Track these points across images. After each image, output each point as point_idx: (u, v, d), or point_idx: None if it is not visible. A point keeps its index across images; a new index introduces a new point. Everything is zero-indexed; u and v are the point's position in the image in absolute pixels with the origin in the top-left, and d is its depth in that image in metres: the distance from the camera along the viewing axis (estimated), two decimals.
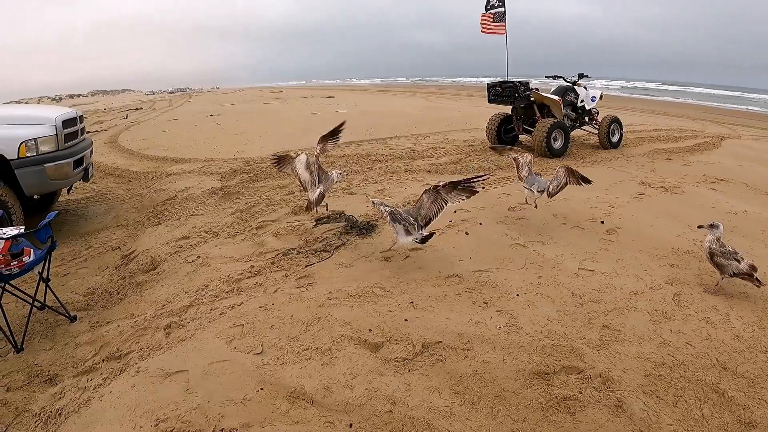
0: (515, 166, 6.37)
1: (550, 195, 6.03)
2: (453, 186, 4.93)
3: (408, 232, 4.98)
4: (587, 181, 5.99)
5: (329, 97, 32.67)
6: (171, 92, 64.03)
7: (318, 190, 6.14)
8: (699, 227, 4.95)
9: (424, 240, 4.98)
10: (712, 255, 4.65)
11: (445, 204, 5.00)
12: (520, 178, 6.27)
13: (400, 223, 4.98)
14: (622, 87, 51.19)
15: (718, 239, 4.68)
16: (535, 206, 6.43)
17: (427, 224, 5.05)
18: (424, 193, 5.04)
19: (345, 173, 5.70)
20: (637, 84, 58.49)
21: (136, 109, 30.32)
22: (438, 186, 4.97)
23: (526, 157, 6.34)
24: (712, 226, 4.75)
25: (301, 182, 6.38)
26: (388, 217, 5.07)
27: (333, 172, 6.41)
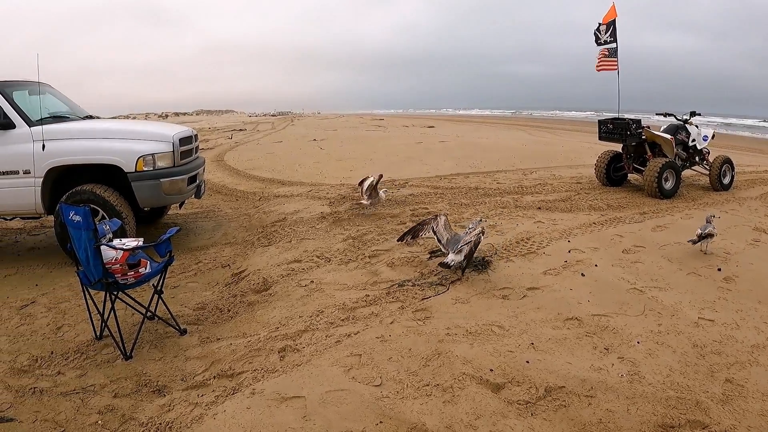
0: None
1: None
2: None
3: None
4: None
5: (430, 126, 32.73)
6: (273, 114, 65.54)
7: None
8: None
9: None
10: None
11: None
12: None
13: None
14: (722, 123, 49.04)
15: None
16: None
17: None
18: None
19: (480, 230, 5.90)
20: (737, 120, 55.91)
21: (240, 129, 31.18)
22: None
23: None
24: None
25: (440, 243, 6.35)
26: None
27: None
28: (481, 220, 6.21)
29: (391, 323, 4.81)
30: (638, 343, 4.38)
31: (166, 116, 65.45)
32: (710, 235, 6.48)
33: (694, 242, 6.52)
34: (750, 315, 4.97)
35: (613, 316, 4.85)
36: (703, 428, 3.39)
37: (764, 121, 55.25)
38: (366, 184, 8.91)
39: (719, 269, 6.05)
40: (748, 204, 9.49)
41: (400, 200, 9.67)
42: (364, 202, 8.85)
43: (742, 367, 4.09)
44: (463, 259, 5.66)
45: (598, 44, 11.82)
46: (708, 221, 6.60)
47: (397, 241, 6.75)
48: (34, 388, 4.10)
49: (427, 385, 3.83)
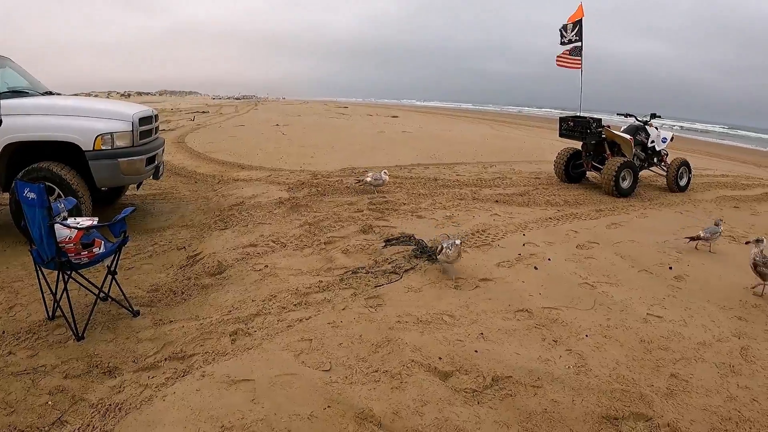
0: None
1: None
2: None
3: None
4: None
5: (394, 116, 32.85)
6: (237, 98, 65.22)
7: None
8: (746, 243, 6.03)
9: None
10: (755, 265, 5.49)
11: None
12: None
13: None
14: (683, 128, 50.04)
15: (761, 251, 5.52)
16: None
17: None
18: None
19: None
20: (698, 125, 57.25)
21: (203, 112, 30.97)
22: None
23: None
24: (757, 241, 5.62)
25: None
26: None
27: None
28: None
29: (343, 309, 4.80)
30: (587, 336, 4.42)
31: (129, 95, 64.61)
32: (705, 238, 6.79)
33: (692, 239, 6.83)
34: (698, 313, 5.06)
35: (564, 310, 4.89)
36: (647, 420, 3.43)
37: (728, 127, 56.44)
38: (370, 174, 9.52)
39: (671, 268, 6.15)
40: (703, 206, 9.68)
41: (359, 188, 9.62)
42: (368, 179, 9.36)
43: (687, 363, 4.15)
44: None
45: (563, 43, 11.93)
46: (716, 224, 6.93)
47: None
48: None
49: (376, 371, 3.83)
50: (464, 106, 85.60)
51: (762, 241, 5.62)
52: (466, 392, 3.62)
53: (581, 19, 11.66)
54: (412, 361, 3.94)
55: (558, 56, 11.98)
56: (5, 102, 6.61)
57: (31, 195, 4.27)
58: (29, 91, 7.58)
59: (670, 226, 7.97)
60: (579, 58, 11.73)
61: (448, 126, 27.42)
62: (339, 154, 14.54)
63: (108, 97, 43.45)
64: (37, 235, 4.38)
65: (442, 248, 5.54)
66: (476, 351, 4.09)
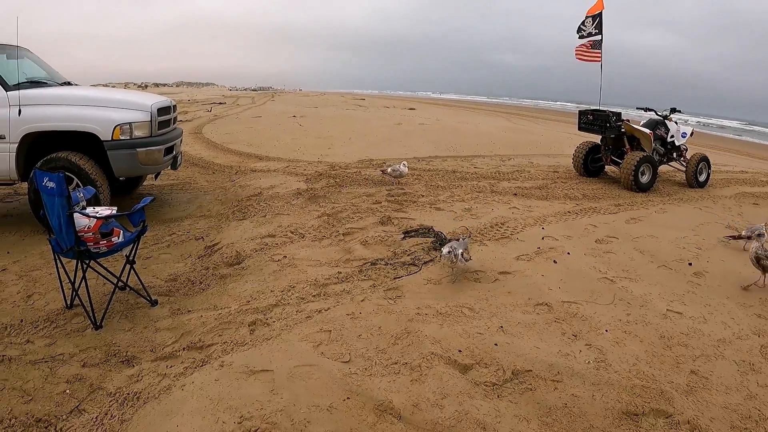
0: None
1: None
2: None
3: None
4: None
5: (411, 108, 32.77)
6: (254, 89, 65.28)
7: None
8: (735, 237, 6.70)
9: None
10: (758, 259, 5.52)
11: None
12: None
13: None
14: (699, 123, 49.49)
15: (762, 245, 5.64)
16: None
17: None
18: None
19: None
20: (714, 121, 56.63)
21: (220, 103, 31.01)
22: None
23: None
24: (759, 236, 5.99)
25: None
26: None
27: None
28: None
29: (362, 301, 4.81)
30: (606, 331, 4.40)
31: (146, 86, 64.86)
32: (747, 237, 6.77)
33: (734, 238, 6.97)
34: (718, 310, 5.02)
35: (583, 304, 4.87)
36: (667, 417, 3.42)
37: (746, 123, 55.76)
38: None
39: (690, 264, 6.10)
40: (722, 202, 9.58)
41: (377, 180, 9.62)
42: (389, 171, 9.41)
43: (707, 360, 4.13)
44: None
45: (582, 36, 11.83)
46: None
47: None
48: (3, 356, 4.02)
49: (395, 363, 3.83)
50: (479, 98, 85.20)
51: (763, 235, 6.04)
52: (486, 386, 3.61)
53: (601, 11, 11.56)
54: (432, 353, 3.94)
55: (576, 49, 11.88)
56: (24, 92, 6.67)
57: (51, 184, 4.31)
58: (48, 82, 7.65)
59: (689, 221, 7.91)
60: (599, 51, 11.63)
61: (464, 118, 27.31)
62: (356, 145, 14.53)
63: (125, 88, 43.74)
64: (56, 225, 4.42)
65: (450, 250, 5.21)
66: (496, 344, 4.09)
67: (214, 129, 17.70)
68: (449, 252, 5.03)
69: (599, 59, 11.62)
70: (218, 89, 69.31)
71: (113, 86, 48.82)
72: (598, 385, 3.66)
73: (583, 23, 11.79)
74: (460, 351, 3.99)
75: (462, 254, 5.09)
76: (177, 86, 76.76)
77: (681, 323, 4.67)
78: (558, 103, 77.01)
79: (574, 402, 3.48)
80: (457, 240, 5.48)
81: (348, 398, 3.42)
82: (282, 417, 3.22)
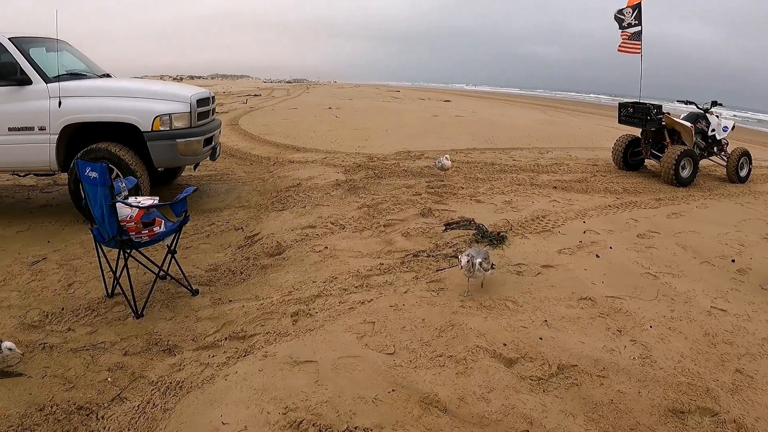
0: None
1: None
2: None
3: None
4: None
5: (446, 101, 32.61)
6: (288, 82, 65.52)
7: None
8: None
9: None
10: None
11: None
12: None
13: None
14: (737, 116, 48.39)
15: None
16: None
17: None
18: None
19: None
20: (751, 114, 55.25)
21: (255, 95, 31.18)
22: None
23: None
24: None
25: None
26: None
27: None
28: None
29: (405, 293, 4.83)
30: (651, 327, 4.38)
31: (181, 79, 65.41)
32: None
33: None
34: (762, 308, 4.96)
35: (627, 299, 4.85)
36: (713, 416, 3.39)
37: None
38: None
39: (733, 260, 6.03)
40: (764, 198, 9.42)
41: (416, 172, 9.66)
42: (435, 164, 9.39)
43: (752, 359, 4.08)
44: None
45: (622, 27, 11.70)
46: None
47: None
48: (44, 343, 4.11)
49: (441, 356, 3.85)
50: (513, 90, 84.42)
51: None
52: (532, 380, 3.62)
53: (640, 2, 11.41)
54: (477, 346, 3.94)
55: (620, 43, 11.74)
56: (64, 84, 6.80)
57: (93, 174, 4.38)
58: (87, 74, 7.81)
59: (731, 217, 7.80)
60: (639, 42, 11.48)
61: (500, 111, 27.10)
62: (393, 137, 14.54)
63: (161, 80, 44.29)
64: (99, 214, 4.49)
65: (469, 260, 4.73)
66: (540, 338, 4.10)
67: (250, 120, 17.86)
68: (468, 261, 4.65)
69: (639, 51, 11.48)
70: (253, 81, 69.65)
71: (149, 79, 49.40)
72: (643, 382, 3.65)
73: (621, 12, 11.65)
74: (504, 344, 3.99)
75: (481, 264, 4.66)
76: (212, 78, 77.35)
77: (725, 321, 4.62)
78: (592, 95, 75.99)
79: (620, 398, 3.47)
80: (477, 248, 5.20)
81: (393, 390, 3.43)
82: (327, 408, 3.24)
